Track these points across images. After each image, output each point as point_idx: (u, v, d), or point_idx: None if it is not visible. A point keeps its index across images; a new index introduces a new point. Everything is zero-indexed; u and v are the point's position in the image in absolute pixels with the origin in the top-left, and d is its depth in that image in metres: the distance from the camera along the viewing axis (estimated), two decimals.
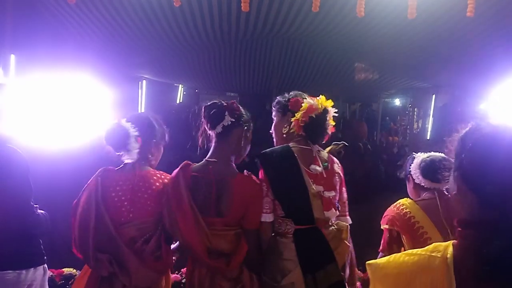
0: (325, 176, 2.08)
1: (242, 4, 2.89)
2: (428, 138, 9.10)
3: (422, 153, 2.24)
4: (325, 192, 2.06)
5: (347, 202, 2.23)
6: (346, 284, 2.12)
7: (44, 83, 2.53)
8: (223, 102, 2.07)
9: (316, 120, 2.07)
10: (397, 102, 13.17)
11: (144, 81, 10.38)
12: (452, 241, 1.03)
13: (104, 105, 2.61)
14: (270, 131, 2.31)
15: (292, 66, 8.21)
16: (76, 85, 2.56)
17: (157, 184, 2.12)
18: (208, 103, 2.09)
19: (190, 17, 5.43)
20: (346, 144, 2.28)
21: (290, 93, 2.24)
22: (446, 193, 2.12)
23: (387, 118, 12.13)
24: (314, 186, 2.03)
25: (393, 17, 4.80)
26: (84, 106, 2.48)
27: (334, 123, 2.15)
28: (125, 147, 2.07)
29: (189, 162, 2.11)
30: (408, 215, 2.04)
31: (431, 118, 9.38)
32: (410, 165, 2.22)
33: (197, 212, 1.98)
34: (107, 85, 2.85)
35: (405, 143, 9.91)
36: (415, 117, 10.48)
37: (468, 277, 0.96)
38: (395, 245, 2.21)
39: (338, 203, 2.15)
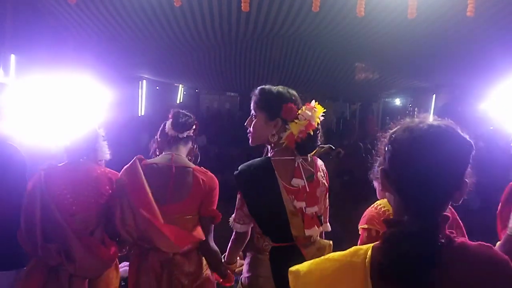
0: (308, 190, 1.90)
1: (242, 4, 2.89)
2: None
3: None
4: (307, 208, 1.90)
5: (328, 208, 2.11)
6: None
7: (44, 83, 2.53)
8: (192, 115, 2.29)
9: (311, 136, 1.91)
10: (397, 102, 13.18)
11: (144, 81, 10.40)
12: (373, 244, 0.99)
13: (104, 105, 2.61)
14: (245, 125, 2.04)
15: (292, 66, 8.20)
16: (76, 85, 2.55)
17: (101, 178, 2.19)
18: (178, 112, 2.26)
19: (190, 17, 5.43)
20: (332, 147, 2.13)
21: (278, 88, 1.97)
22: None
23: (387, 118, 12.13)
24: (295, 203, 1.88)
25: (393, 17, 4.80)
26: (83, 106, 2.48)
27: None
28: (94, 146, 2.23)
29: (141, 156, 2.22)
30: (387, 213, 2.03)
31: (431, 118, 9.35)
32: None
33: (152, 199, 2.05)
34: (107, 85, 2.85)
35: None
36: (415, 117, 10.45)
37: (379, 277, 0.93)
38: None
39: (321, 216, 2.01)
